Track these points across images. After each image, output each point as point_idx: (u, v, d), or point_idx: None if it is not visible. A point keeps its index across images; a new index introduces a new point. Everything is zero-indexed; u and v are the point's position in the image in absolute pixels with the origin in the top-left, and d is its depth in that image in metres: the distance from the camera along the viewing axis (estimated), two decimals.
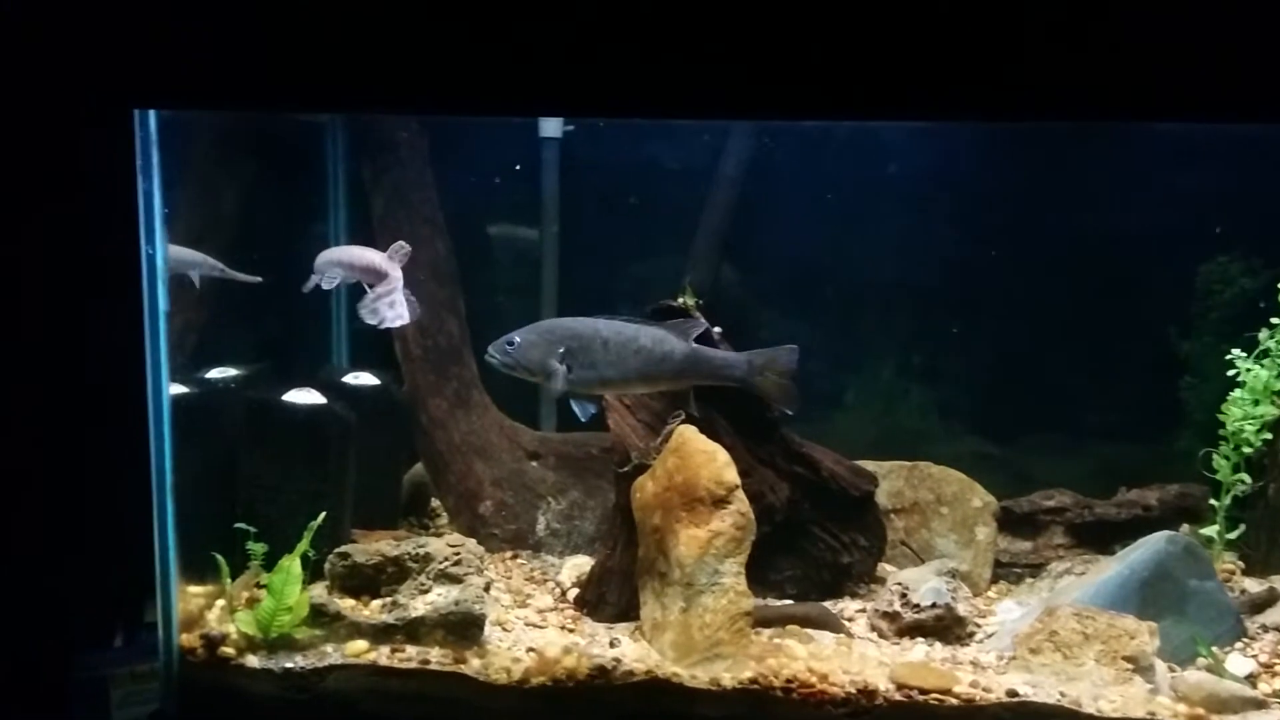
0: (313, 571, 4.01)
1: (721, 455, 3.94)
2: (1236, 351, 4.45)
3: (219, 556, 3.90)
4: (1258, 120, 3.64)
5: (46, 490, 3.76)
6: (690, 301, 4.40)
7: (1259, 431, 4.41)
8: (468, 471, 4.85)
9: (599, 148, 5.19)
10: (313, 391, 4.35)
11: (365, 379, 4.80)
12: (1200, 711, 3.52)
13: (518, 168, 5.21)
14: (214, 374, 4.52)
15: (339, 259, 4.51)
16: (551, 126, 5.17)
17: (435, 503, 5.13)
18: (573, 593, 4.36)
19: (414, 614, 3.83)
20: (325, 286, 4.51)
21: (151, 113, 3.47)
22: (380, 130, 4.88)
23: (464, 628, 3.83)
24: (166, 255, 3.64)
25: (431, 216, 4.93)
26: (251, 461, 4.22)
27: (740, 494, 3.88)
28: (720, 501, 3.86)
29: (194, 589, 3.97)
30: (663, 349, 4.00)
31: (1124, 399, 5.01)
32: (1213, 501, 4.54)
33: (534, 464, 4.92)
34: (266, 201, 4.83)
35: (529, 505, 4.85)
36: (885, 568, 4.59)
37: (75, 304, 3.57)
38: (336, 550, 4.06)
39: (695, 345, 4.07)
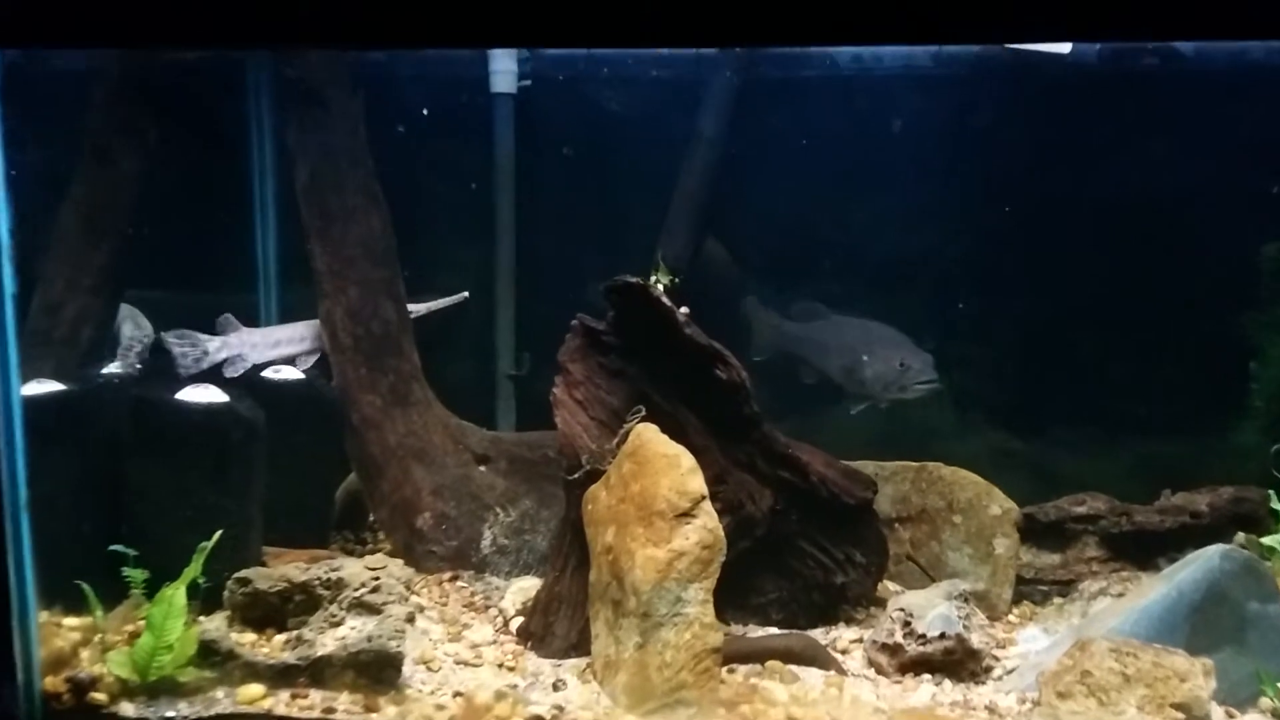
0: (211, 600, 3.65)
1: (686, 460, 3.49)
2: None
3: (84, 585, 3.48)
4: None
5: None
6: (664, 279, 4.19)
7: None
8: (404, 478, 4.38)
9: (560, 104, 4.90)
10: (212, 388, 3.92)
11: (287, 373, 4.42)
12: None
13: (435, 115, 4.84)
14: (111, 369, 4.24)
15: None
16: (505, 81, 4.82)
17: None
18: (516, 622, 3.92)
19: (320, 652, 3.42)
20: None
21: None
22: (305, 85, 4.39)
23: (378, 668, 3.41)
24: None
25: (365, 186, 4.44)
26: (138, 471, 3.83)
27: (707, 506, 3.43)
28: (683, 515, 3.40)
29: (71, 621, 3.63)
30: None
31: (1169, 387, 4.72)
32: (1276, 505, 4.09)
33: (482, 469, 4.46)
34: (176, 169, 4.50)
35: (474, 517, 4.37)
36: (888, 587, 4.22)
37: None
38: (235, 575, 3.68)
39: None
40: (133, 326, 4.44)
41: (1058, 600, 4.23)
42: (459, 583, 4.24)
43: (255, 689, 3.36)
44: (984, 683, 3.62)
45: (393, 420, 4.40)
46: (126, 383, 4.02)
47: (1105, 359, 4.78)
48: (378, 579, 3.58)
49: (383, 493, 4.40)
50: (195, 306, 4.51)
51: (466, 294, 4.77)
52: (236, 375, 4.32)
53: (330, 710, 3.28)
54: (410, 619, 3.60)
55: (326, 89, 4.39)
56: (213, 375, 4.24)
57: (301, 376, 4.41)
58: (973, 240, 4.77)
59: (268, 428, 3.98)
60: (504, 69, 4.77)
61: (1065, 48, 4.28)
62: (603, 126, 4.78)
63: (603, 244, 4.89)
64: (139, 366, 4.30)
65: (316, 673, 3.38)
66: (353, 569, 3.62)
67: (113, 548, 3.57)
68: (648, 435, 3.59)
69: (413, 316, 4.53)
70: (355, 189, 4.43)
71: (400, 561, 3.74)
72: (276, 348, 4.49)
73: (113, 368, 4.22)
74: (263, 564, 3.90)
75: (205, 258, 4.74)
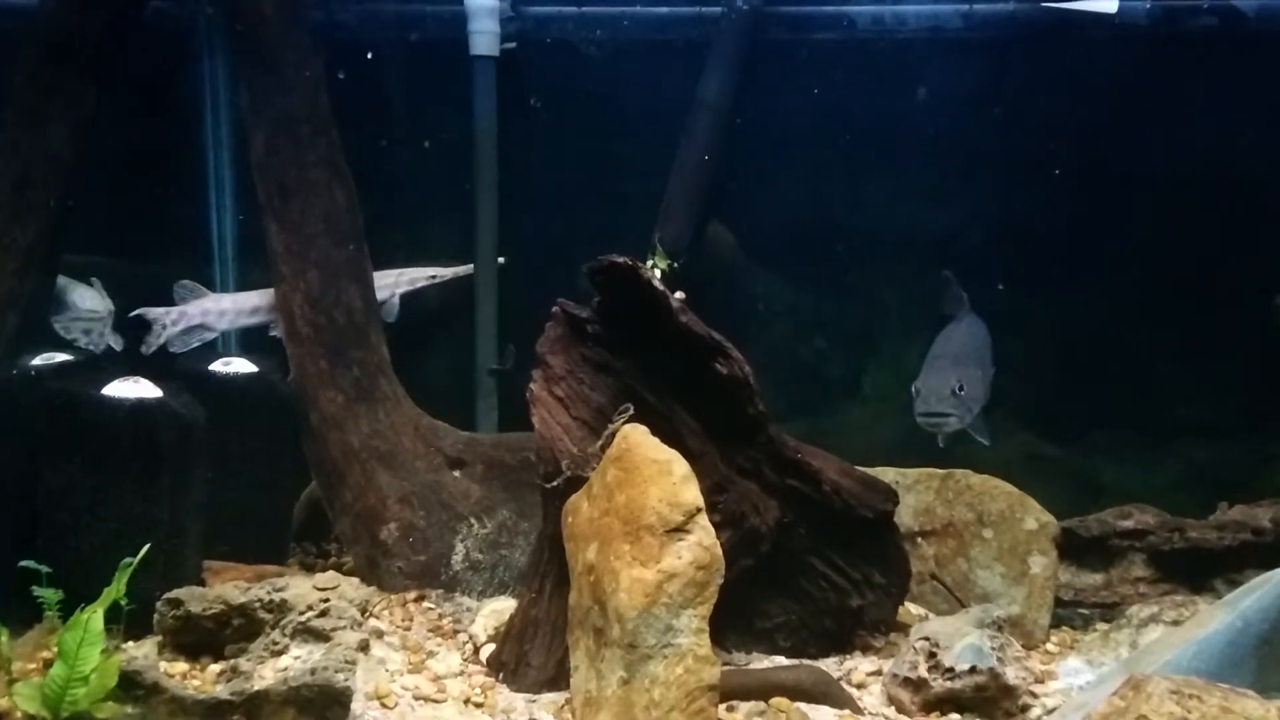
0: (140, 624, 3.45)
1: (678, 467, 3.23)
2: None
3: None
4: None
5: None
6: (661, 264, 4.09)
7: None
8: (367, 484, 4.09)
9: (548, 69, 4.69)
10: (144, 382, 3.65)
11: (238, 366, 4.17)
12: None
13: (408, 80, 4.71)
14: (40, 360, 3.94)
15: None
16: (486, 43, 4.58)
17: None
18: (488, 650, 3.66)
19: (257, 685, 3.16)
20: None
21: None
22: (260, 44, 4.12)
23: (322, 705, 3.12)
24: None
25: (328, 157, 4.19)
26: (55, 476, 3.61)
27: (703, 520, 3.16)
28: (675, 530, 3.14)
29: None
30: None
31: (1223, 386, 4.56)
32: None
33: (455, 474, 4.18)
34: (118, 138, 4.25)
35: (445, 529, 4.09)
36: (910, 611, 4.02)
37: None
38: (166, 596, 3.46)
39: None
40: (92, 299, 4.23)
41: (1101, 626, 4.05)
42: (425, 603, 4.00)
43: None
44: None
45: (356, 419, 4.15)
46: (49, 376, 3.77)
47: (1153, 354, 4.63)
48: (327, 601, 3.40)
49: (344, 501, 4.14)
50: (143, 284, 4.35)
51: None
52: (189, 348, 4.19)
53: None
54: (364, 647, 3.39)
55: (282, 50, 4.14)
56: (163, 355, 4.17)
57: (254, 370, 4.17)
58: (1002, 223, 4.60)
59: (212, 427, 3.77)
60: (484, 29, 4.51)
61: (1112, 6, 3.97)
62: (595, 94, 4.58)
63: (594, 224, 4.70)
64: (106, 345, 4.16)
65: (252, 709, 3.11)
66: (299, 589, 3.46)
67: (24, 563, 3.34)
68: (636, 438, 3.33)
69: (427, 282, 4.47)
70: (317, 161, 4.19)
71: (356, 580, 3.62)
72: (254, 315, 4.30)
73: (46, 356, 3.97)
74: (201, 582, 3.74)
75: (154, 233, 4.55)
